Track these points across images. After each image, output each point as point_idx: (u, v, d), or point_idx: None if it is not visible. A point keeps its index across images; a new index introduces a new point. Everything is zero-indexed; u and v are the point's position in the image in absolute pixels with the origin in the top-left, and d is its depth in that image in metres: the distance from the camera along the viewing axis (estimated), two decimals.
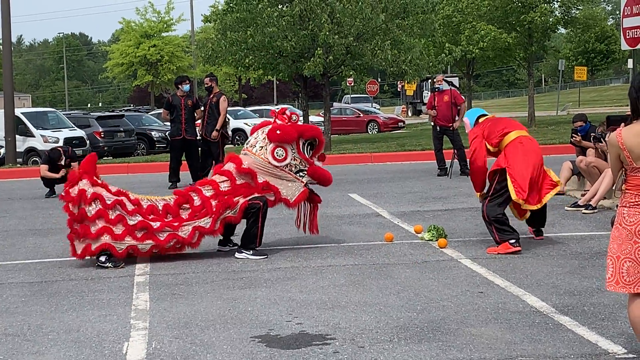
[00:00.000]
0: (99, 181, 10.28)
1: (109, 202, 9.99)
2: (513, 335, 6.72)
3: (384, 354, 6.35)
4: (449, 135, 19.03)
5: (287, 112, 10.85)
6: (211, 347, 6.67)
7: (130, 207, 10.09)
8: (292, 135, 10.42)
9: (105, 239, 9.90)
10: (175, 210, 10.25)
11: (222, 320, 7.44)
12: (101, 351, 6.67)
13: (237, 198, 10.25)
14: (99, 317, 7.70)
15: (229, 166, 10.49)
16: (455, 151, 18.93)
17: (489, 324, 7.08)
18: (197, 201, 10.27)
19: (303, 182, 10.53)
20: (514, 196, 10.20)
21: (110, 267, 9.94)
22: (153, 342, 6.87)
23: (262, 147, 10.50)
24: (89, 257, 10.08)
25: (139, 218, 10.06)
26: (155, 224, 10.07)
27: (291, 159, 10.44)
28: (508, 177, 10.26)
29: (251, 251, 10.31)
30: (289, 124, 10.65)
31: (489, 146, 10.58)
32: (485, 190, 10.69)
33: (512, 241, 10.08)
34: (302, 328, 7.12)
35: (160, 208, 10.26)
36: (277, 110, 10.94)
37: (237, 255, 10.31)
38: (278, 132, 10.40)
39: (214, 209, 10.15)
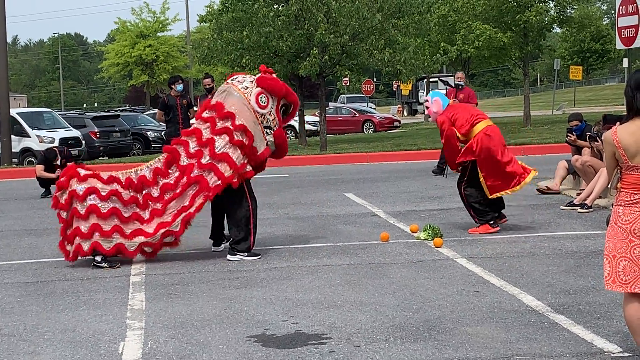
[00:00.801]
0: (89, 172, 10.23)
1: (104, 194, 9.98)
2: (509, 335, 6.72)
3: (379, 353, 6.36)
4: None
5: (274, 75, 10.74)
6: (207, 346, 6.67)
7: (125, 195, 10.06)
8: (280, 89, 10.36)
9: (96, 236, 9.87)
10: (165, 172, 10.15)
11: (218, 320, 7.44)
12: (97, 351, 6.67)
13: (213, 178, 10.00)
14: (94, 317, 7.70)
15: (211, 113, 10.29)
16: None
17: (485, 323, 7.08)
18: (180, 176, 10.11)
19: (266, 140, 10.30)
20: (488, 195, 11.19)
21: (106, 267, 9.93)
22: (149, 342, 6.86)
23: (247, 87, 10.33)
24: (83, 257, 10.06)
25: (134, 210, 10.04)
26: (146, 215, 10.05)
27: (268, 112, 10.30)
28: (480, 173, 11.11)
29: (245, 253, 10.23)
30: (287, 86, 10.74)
31: (458, 134, 11.15)
32: (461, 172, 11.45)
33: (492, 222, 11.15)
34: (298, 327, 7.12)
35: (150, 175, 10.17)
36: (266, 68, 10.80)
37: (229, 257, 10.22)
38: (269, 80, 10.35)
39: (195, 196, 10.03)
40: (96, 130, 33.44)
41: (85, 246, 9.92)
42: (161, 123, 20.27)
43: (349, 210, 13.84)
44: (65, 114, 37.86)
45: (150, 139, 36.60)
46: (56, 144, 26.72)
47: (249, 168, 10.20)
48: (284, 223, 12.84)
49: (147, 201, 10.12)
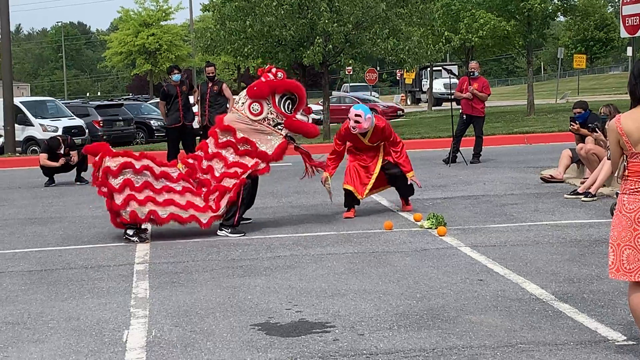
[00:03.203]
0: (121, 151, 10.98)
1: (138, 167, 10.64)
2: (512, 323, 6.72)
3: (383, 341, 6.36)
4: (474, 122, 18.91)
5: (273, 70, 11.33)
6: (211, 335, 6.68)
7: (157, 169, 10.79)
8: (264, 90, 11.11)
9: (133, 205, 10.51)
10: (192, 176, 11.01)
11: (222, 309, 7.44)
12: (101, 339, 6.68)
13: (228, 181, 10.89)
14: (98, 306, 7.71)
15: (216, 128, 11.23)
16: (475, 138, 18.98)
17: (489, 311, 7.09)
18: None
19: (282, 135, 11.11)
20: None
21: (137, 241, 10.63)
22: (153, 330, 6.87)
23: (242, 103, 11.23)
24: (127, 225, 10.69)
25: (164, 183, 10.72)
26: (179, 187, 10.80)
27: (267, 113, 11.12)
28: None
29: (230, 229, 10.96)
30: (275, 80, 11.23)
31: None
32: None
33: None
34: (301, 316, 7.12)
35: (176, 175, 10.94)
36: (264, 69, 11.53)
37: (218, 232, 10.98)
38: (254, 88, 11.18)
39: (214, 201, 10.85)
40: (99, 119, 33.46)
41: (125, 215, 10.60)
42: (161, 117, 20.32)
43: None
44: (69, 103, 37.91)
45: (154, 127, 36.60)
46: (60, 132, 26.70)
47: (262, 166, 11.06)
48: (288, 212, 12.84)
49: (180, 179, 10.90)
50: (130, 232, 10.71)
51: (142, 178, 10.61)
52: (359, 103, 12.56)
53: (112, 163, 10.60)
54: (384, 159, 12.20)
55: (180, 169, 11.07)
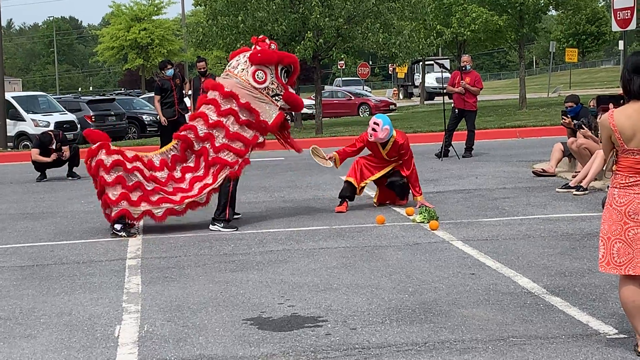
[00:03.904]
0: (116, 149, 10.88)
1: (129, 167, 10.61)
2: (504, 317, 6.73)
3: (375, 335, 6.36)
4: (466, 116, 18.89)
5: (267, 41, 11.34)
6: (203, 329, 6.68)
7: (147, 172, 10.73)
8: (272, 58, 11.04)
9: (124, 204, 10.51)
10: (183, 157, 10.94)
11: (214, 303, 7.44)
12: (93, 334, 6.67)
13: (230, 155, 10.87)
14: (90, 301, 7.70)
15: (213, 94, 11.04)
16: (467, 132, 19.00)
17: (481, 305, 7.10)
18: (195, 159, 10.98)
19: (278, 106, 11.11)
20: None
21: (124, 236, 10.61)
22: (145, 325, 6.87)
23: (243, 69, 11.07)
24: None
25: (155, 185, 10.70)
26: (169, 188, 10.79)
27: (269, 83, 11.06)
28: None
29: (222, 223, 10.97)
30: (279, 51, 11.31)
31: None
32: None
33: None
34: (294, 310, 7.12)
35: (170, 161, 10.93)
36: (258, 38, 11.47)
37: (210, 227, 11.00)
38: (259, 55, 11.03)
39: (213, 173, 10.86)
40: (91, 114, 33.32)
41: (113, 212, 10.61)
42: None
43: None
44: (61, 98, 37.72)
45: (146, 122, 36.50)
46: (51, 127, 26.63)
47: (261, 139, 11.07)
48: (280, 206, 12.84)
49: (170, 181, 10.84)
50: (117, 226, 10.71)
51: (133, 178, 10.61)
52: (378, 113, 12.58)
53: (106, 158, 10.59)
54: (394, 168, 12.24)
55: (175, 145, 10.99)
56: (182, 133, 10.99)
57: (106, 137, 10.94)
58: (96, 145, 10.69)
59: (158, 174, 10.82)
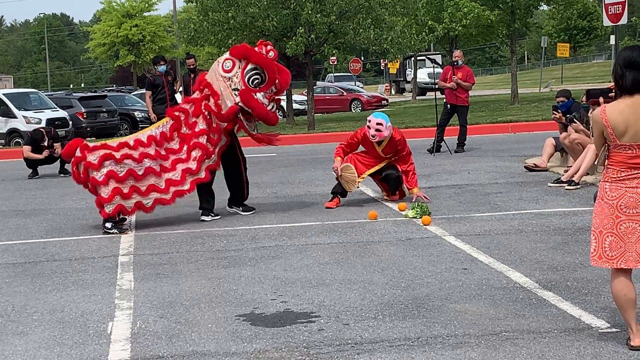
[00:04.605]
0: (97, 144, 11.02)
1: (118, 157, 10.70)
2: (497, 311, 6.74)
3: (368, 330, 6.37)
4: (458, 111, 18.87)
5: (267, 47, 11.38)
6: (196, 325, 6.67)
7: (136, 154, 10.85)
8: (240, 52, 11.24)
9: (118, 199, 10.62)
10: (171, 137, 11.21)
11: (206, 299, 7.44)
12: (86, 331, 6.67)
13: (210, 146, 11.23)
14: (83, 297, 7.69)
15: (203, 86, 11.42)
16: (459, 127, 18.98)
17: (473, 300, 7.11)
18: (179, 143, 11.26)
19: (235, 101, 11.12)
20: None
21: (116, 233, 10.67)
22: (138, 321, 6.86)
23: (219, 58, 11.59)
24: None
25: (146, 165, 10.82)
26: (157, 167, 10.92)
27: (233, 75, 11.17)
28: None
29: (240, 207, 11.81)
30: (257, 52, 11.33)
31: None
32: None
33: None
34: (286, 306, 7.13)
35: (158, 136, 11.15)
36: (264, 41, 11.62)
37: (228, 208, 11.77)
38: (237, 47, 11.46)
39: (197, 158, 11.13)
40: (83, 110, 33.27)
41: (109, 209, 10.65)
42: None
43: None
44: (52, 95, 37.67)
45: (138, 119, 36.46)
46: (43, 124, 26.57)
47: (223, 140, 11.33)
48: (272, 202, 12.83)
49: (158, 156, 11.00)
50: (108, 225, 10.72)
51: (124, 167, 10.65)
52: (377, 112, 12.44)
53: (92, 157, 10.64)
54: (388, 163, 12.24)
55: (166, 122, 11.29)
56: (176, 113, 11.31)
57: (79, 141, 10.98)
58: (76, 149, 10.77)
59: (148, 150, 10.98)
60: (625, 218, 5.69)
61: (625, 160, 5.68)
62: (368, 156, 12.22)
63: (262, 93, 11.15)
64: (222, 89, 11.16)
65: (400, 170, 12.10)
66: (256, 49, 11.26)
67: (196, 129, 11.14)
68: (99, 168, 10.58)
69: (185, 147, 11.11)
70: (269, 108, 11.25)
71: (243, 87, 11.11)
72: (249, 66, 11.15)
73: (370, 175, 12.29)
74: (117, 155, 10.68)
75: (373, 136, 11.80)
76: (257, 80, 11.17)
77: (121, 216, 10.82)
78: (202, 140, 11.09)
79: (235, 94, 11.11)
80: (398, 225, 10.58)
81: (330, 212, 11.67)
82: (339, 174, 11.89)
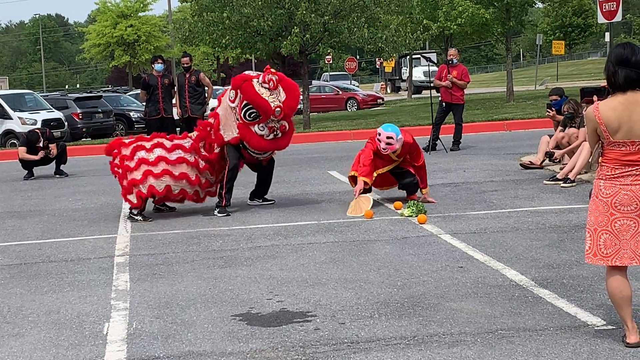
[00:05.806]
0: (132, 139, 11.95)
1: (148, 147, 11.54)
2: (493, 309, 6.75)
3: (364, 329, 6.37)
4: (453, 109, 18.86)
5: (270, 76, 11.47)
6: (192, 326, 6.67)
7: (168, 144, 11.64)
8: (236, 84, 11.51)
9: (150, 180, 11.33)
10: (196, 147, 11.76)
11: (202, 300, 7.44)
12: (82, 332, 6.66)
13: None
14: (79, 298, 7.68)
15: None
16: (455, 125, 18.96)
17: (469, 298, 7.11)
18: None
19: (235, 131, 11.53)
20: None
21: (140, 220, 11.40)
22: (134, 322, 6.86)
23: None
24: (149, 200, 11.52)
25: (179, 154, 11.57)
26: (191, 157, 11.67)
27: (236, 105, 11.54)
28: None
29: (261, 200, 12.57)
30: (252, 86, 11.48)
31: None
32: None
33: None
34: (282, 306, 7.12)
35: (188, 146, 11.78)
36: (269, 69, 11.76)
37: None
38: (235, 78, 11.75)
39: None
40: (79, 111, 33.24)
41: (144, 189, 11.33)
42: (143, 103, 20.31)
43: (333, 188, 13.84)
44: (48, 96, 37.63)
45: (133, 119, 36.44)
46: (38, 125, 26.53)
47: (217, 149, 11.71)
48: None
49: (192, 149, 11.73)
50: (135, 210, 11.48)
51: (154, 154, 11.38)
52: (387, 124, 12.23)
53: (126, 151, 11.49)
54: (399, 166, 12.10)
55: (191, 136, 11.90)
56: (201, 128, 11.89)
57: (119, 140, 11.87)
58: (114, 146, 11.69)
59: (182, 141, 11.79)
60: (619, 215, 5.69)
61: (619, 158, 5.69)
62: (380, 159, 12.05)
63: (258, 125, 11.45)
64: (226, 116, 11.62)
65: (413, 172, 11.97)
66: (259, 77, 11.46)
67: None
68: (131, 158, 11.41)
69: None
70: (269, 138, 11.53)
71: (239, 121, 11.49)
72: (245, 101, 11.42)
73: (382, 180, 12.17)
74: (148, 145, 11.52)
75: (384, 149, 11.68)
76: (253, 114, 11.42)
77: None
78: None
79: (235, 125, 11.57)
80: (394, 224, 10.59)
81: (326, 211, 11.67)
82: (356, 197, 11.55)
